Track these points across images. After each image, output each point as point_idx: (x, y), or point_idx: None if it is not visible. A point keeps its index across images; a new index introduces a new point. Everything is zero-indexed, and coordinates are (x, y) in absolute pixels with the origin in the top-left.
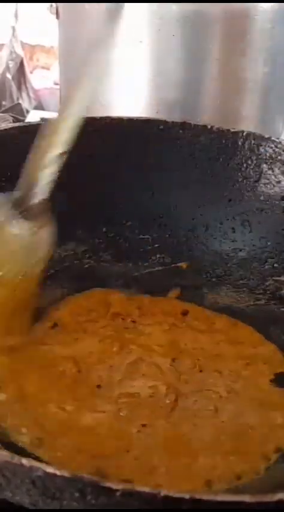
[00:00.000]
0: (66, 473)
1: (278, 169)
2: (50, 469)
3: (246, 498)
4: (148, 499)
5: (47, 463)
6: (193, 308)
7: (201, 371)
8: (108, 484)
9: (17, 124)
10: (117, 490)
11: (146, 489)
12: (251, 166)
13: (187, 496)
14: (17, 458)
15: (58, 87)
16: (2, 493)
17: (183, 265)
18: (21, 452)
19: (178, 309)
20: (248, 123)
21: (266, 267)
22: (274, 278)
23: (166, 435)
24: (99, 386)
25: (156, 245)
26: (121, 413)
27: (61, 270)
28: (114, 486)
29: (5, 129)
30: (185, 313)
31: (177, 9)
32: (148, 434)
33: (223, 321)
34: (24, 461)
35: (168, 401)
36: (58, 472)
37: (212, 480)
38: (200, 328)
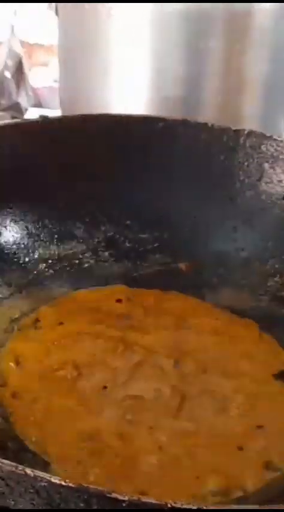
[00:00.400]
0: (71, 483)
1: (280, 168)
2: (55, 479)
3: (254, 507)
4: (155, 510)
5: None
6: (195, 306)
7: (204, 372)
8: (114, 495)
9: (14, 121)
10: (123, 501)
11: (153, 500)
12: (253, 165)
13: (194, 507)
14: (21, 468)
15: (57, 85)
16: (4, 501)
17: (183, 265)
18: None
19: (180, 308)
20: (250, 122)
21: (268, 267)
22: (275, 279)
23: (173, 437)
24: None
25: (156, 244)
26: (127, 417)
27: (59, 269)
28: (120, 497)
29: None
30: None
31: (178, 8)
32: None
33: (226, 319)
34: (28, 471)
35: (173, 404)
36: (63, 482)
37: (217, 484)
38: (202, 328)
